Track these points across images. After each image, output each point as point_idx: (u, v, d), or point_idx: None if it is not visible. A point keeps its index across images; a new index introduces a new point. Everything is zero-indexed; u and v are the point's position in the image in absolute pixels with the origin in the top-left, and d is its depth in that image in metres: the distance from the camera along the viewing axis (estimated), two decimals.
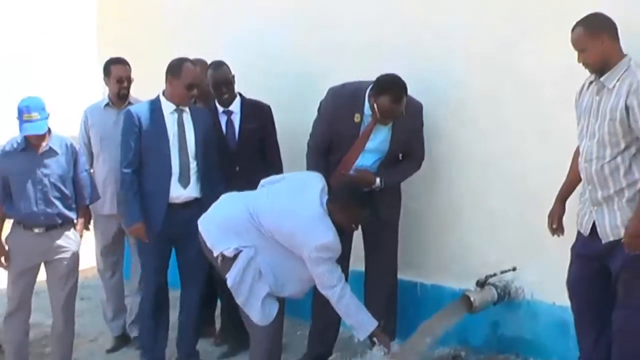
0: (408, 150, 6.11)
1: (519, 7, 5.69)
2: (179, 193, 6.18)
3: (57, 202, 6.13)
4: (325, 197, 5.58)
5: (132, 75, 7.07)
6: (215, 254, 5.66)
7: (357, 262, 6.26)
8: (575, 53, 4.84)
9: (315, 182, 5.71)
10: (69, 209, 6.23)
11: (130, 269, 7.39)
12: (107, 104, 7.10)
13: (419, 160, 6.14)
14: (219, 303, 7.25)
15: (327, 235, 5.42)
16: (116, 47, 7.85)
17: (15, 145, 6.16)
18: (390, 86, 5.72)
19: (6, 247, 6.28)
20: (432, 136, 6.14)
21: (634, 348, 4.86)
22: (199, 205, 6.13)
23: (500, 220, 5.90)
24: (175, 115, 6.24)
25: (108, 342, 7.42)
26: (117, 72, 7.02)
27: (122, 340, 7.35)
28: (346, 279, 5.74)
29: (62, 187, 6.14)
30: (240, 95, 6.76)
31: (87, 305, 8.29)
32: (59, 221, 6.18)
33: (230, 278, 5.56)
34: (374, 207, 5.81)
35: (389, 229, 6.17)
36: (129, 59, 7.07)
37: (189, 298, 6.50)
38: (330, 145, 6.11)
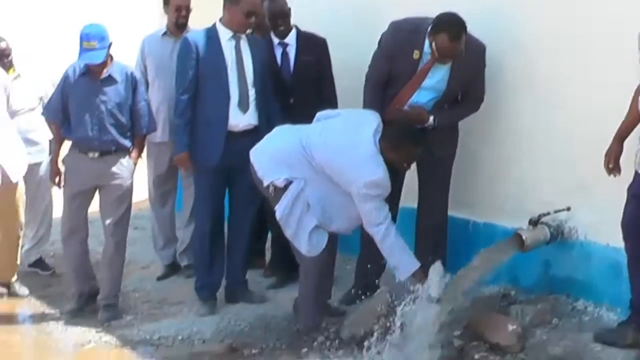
0: (467, 90, 5.96)
1: None
2: (238, 119, 6.09)
3: (112, 129, 6.15)
4: (379, 135, 5.45)
5: (192, 6, 7.02)
6: (265, 184, 5.60)
7: (410, 198, 6.14)
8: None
9: (371, 120, 5.57)
10: (124, 136, 6.24)
11: (182, 201, 7.38)
12: (164, 33, 7.12)
13: (478, 102, 5.98)
14: (269, 235, 7.20)
15: (377, 172, 5.31)
16: None
17: (77, 70, 6.19)
18: (449, 24, 5.53)
19: (62, 169, 6.37)
20: (492, 76, 5.95)
21: None
22: (257, 134, 6.05)
23: (556, 159, 5.74)
24: (233, 42, 6.16)
25: (158, 270, 7.48)
26: (176, 0, 6.98)
27: (172, 269, 7.39)
28: (395, 216, 5.70)
29: (119, 115, 6.16)
30: (296, 27, 6.65)
31: (140, 234, 8.32)
32: (113, 148, 6.21)
33: (279, 210, 5.52)
34: (428, 145, 5.68)
35: (442, 166, 6.05)
36: None
37: (240, 228, 6.45)
38: (388, 80, 5.94)
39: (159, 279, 7.31)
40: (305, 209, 5.51)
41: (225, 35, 6.14)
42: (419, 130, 5.74)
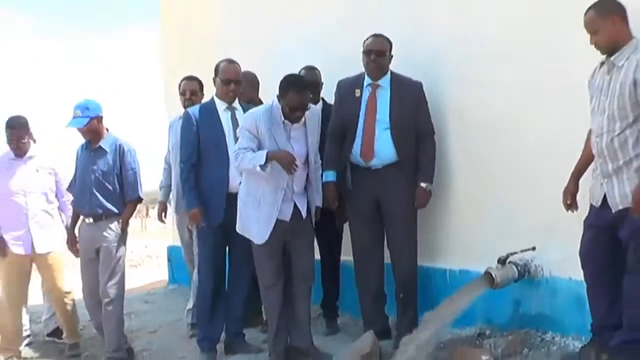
0: (416, 126, 6.09)
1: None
2: (237, 181, 6.07)
3: (99, 195, 6.38)
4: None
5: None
6: None
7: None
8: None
9: None
10: (111, 202, 6.42)
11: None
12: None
13: (430, 135, 6.14)
14: None
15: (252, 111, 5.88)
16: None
17: (83, 145, 6.53)
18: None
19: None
20: (457, 124, 6.21)
21: None
22: None
23: (520, 205, 5.76)
24: (229, 112, 6.31)
25: (165, 333, 7.59)
26: (184, 86, 7.23)
27: None
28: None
29: (105, 182, 6.40)
30: (323, 100, 6.78)
31: (150, 307, 8.81)
32: (100, 211, 6.41)
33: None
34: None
35: (406, 221, 6.15)
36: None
37: (239, 284, 6.45)
38: (342, 126, 6.21)
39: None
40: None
41: (221, 106, 6.31)
42: (300, 77, 6.03)
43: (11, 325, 6.94)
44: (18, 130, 6.82)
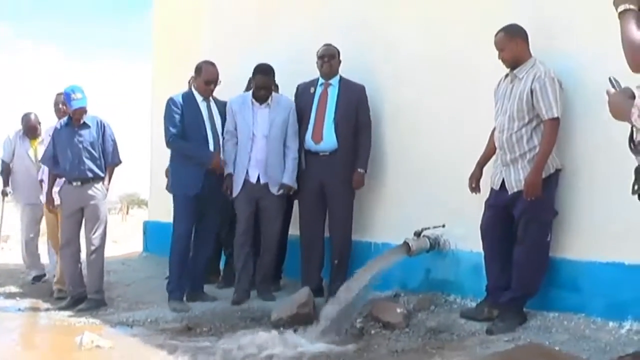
0: (357, 118, 6.20)
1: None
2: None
3: (88, 161, 6.44)
4: None
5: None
6: None
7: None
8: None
9: None
10: (98, 167, 6.50)
11: None
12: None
13: (368, 127, 6.24)
14: (222, 257, 7.31)
15: None
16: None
17: (62, 123, 6.66)
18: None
19: (57, 198, 6.70)
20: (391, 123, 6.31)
21: (528, 276, 4.84)
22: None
23: (432, 190, 5.89)
24: (205, 103, 6.37)
25: (139, 287, 7.50)
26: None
27: None
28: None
29: (92, 150, 6.48)
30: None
31: (127, 268, 8.79)
32: (90, 175, 6.45)
33: None
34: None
35: (343, 202, 6.29)
36: None
37: (204, 247, 6.54)
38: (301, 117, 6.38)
39: None
40: None
41: (199, 98, 6.36)
42: (267, 64, 6.37)
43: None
44: None
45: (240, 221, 6.31)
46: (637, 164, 3.00)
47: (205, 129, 6.27)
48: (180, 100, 6.30)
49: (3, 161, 8.29)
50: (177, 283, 6.34)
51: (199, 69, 6.39)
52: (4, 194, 8.47)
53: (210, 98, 6.40)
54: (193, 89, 6.45)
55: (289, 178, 6.25)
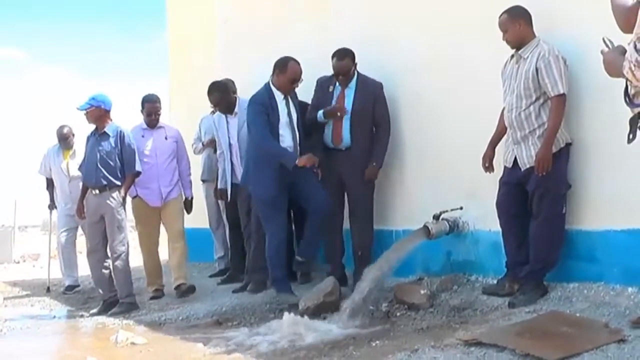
0: (373, 116, 6.28)
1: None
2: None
3: (103, 170, 6.56)
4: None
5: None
6: None
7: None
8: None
9: None
10: (114, 176, 6.60)
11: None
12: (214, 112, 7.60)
13: (386, 125, 6.31)
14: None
15: None
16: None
17: (92, 131, 6.77)
18: (337, 51, 6.31)
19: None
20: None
21: (545, 248, 4.98)
22: None
23: (448, 174, 6.03)
24: (284, 101, 6.21)
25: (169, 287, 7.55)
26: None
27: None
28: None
29: (108, 160, 6.58)
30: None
31: None
32: (105, 183, 6.57)
33: None
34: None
35: (364, 195, 6.38)
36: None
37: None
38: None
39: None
40: None
41: (279, 96, 6.20)
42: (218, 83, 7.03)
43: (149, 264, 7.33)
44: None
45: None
46: (631, 115, 3.18)
47: (286, 126, 6.19)
48: (265, 98, 6.16)
49: (46, 177, 8.57)
50: (281, 277, 6.23)
51: (283, 65, 6.15)
52: (51, 208, 8.66)
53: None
54: (272, 86, 6.21)
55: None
